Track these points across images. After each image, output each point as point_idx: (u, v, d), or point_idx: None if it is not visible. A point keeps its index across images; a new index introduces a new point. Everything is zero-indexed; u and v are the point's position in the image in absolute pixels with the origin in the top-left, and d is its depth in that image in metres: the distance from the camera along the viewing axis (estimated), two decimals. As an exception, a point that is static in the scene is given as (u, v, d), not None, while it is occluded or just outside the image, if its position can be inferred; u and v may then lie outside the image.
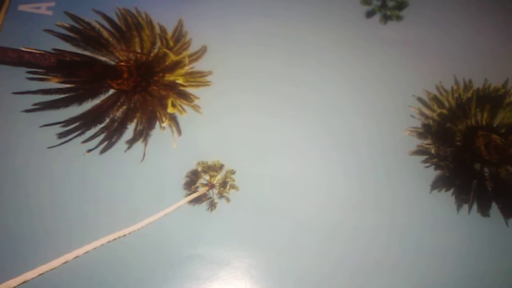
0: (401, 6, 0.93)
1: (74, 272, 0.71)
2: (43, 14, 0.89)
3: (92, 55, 0.87)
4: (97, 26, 0.89)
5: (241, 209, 0.77)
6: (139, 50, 0.88)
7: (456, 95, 0.87)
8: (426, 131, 0.84)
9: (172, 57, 0.88)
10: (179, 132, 0.82)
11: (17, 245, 0.72)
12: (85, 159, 0.79)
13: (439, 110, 0.86)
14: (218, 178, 0.80)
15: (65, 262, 0.71)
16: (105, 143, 0.81)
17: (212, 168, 0.80)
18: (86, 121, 0.82)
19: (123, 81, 0.86)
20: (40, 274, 0.70)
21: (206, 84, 0.86)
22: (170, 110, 0.84)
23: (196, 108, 0.84)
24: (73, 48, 0.87)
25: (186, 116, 0.83)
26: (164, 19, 0.90)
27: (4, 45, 0.85)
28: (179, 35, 0.89)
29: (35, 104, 0.82)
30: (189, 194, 0.78)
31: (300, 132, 0.83)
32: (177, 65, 0.87)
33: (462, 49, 0.90)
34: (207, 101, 0.84)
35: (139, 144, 0.81)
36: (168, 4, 0.91)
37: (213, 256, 0.74)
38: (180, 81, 0.86)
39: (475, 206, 0.79)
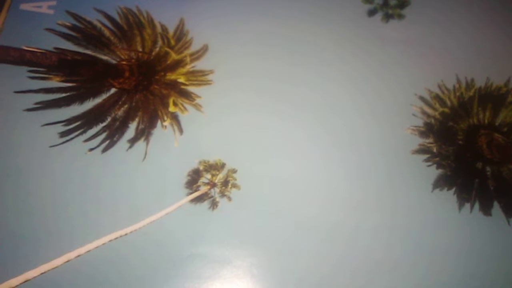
0: (403, 4, 0.93)
1: (76, 271, 0.71)
2: (45, 13, 0.89)
3: (93, 54, 0.87)
4: (99, 25, 0.89)
5: (243, 208, 0.77)
6: (140, 49, 0.88)
7: (458, 93, 0.87)
8: (428, 130, 0.84)
9: (174, 56, 0.88)
10: (181, 131, 0.82)
11: (18, 244, 0.72)
12: (86, 158, 0.79)
13: (441, 109, 0.86)
14: (220, 177, 0.80)
15: (67, 261, 0.71)
16: (107, 142, 0.81)
17: (214, 167, 0.80)
18: (87, 120, 0.82)
19: (124, 80, 0.86)
20: (42, 273, 0.70)
21: (207, 83, 0.86)
22: (171, 109, 0.84)
23: (197, 107, 0.84)
24: (75, 47, 0.87)
25: (187, 115, 0.83)
26: (166, 18, 0.90)
27: (6, 44, 0.85)
28: (180, 34, 0.89)
29: (36, 103, 0.82)
30: (191, 193, 0.78)
31: (301, 131, 0.82)
32: (178, 64, 0.87)
33: (464, 47, 0.90)
34: (208, 100, 0.84)
35: (140, 143, 0.81)
36: (169, 3, 0.91)
37: (215, 255, 0.74)
38: (181, 80, 0.86)
39: (477, 205, 0.79)
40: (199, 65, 0.87)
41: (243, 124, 0.83)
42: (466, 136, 0.85)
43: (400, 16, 0.92)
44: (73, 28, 0.88)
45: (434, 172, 0.81)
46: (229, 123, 0.83)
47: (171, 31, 0.89)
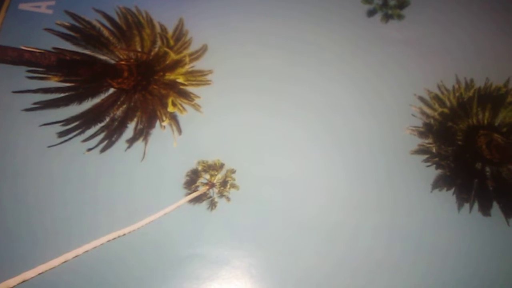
0: (402, 5, 0.93)
1: (73, 272, 0.71)
2: (43, 13, 0.89)
3: (92, 54, 0.87)
4: (98, 25, 0.89)
5: (242, 208, 0.77)
6: (139, 49, 0.88)
7: (457, 94, 0.87)
8: (427, 130, 0.84)
9: (173, 56, 0.88)
10: (180, 131, 0.82)
11: (16, 244, 0.72)
12: (85, 158, 0.79)
13: (440, 109, 0.86)
14: (219, 177, 0.80)
15: (65, 262, 0.71)
16: (105, 142, 0.80)
17: (213, 167, 0.80)
18: (86, 120, 0.82)
19: (123, 80, 0.86)
20: (39, 274, 0.70)
21: (206, 83, 0.86)
22: (170, 109, 0.84)
23: (196, 107, 0.84)
24: (73, 47, 0.87)
25: (186, 115, 0.83)
26: (165, 18, 0.90)
27: (4, 43, 0.85)
28: (179, 34, 0.89)
29: (35, 103, 0.82)
30: (189, 193, 0.78)
31: (301, 131, 0.82)
32: (177, 64, 0.87)
33: (463, 48, 0.90)
34: (207, 100, 0.84)
35: (139, 143, 0.81)
36: (168, 3, 0.91)
37: (213, 255, 0.74)
38: (180, 80, 0.86)
39: (476, 206, 0.79)
40: (198, 65, 0.87)
41: (242, 124, 0.82)
42: (466, 136, 0.85)
43: (400, 17, 0.92)
44: (72, 28, 0.88)
45: (433, 172, 0.81)
46: (228, 123, 0.82)
47: (170, 31, 0.89)
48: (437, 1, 0.94)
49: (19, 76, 0.83)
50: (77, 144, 0.80)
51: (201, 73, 0.86)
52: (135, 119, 0.83)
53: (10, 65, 0.84)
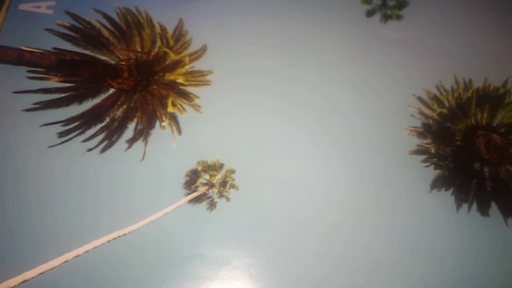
0: (401, 5, 0.93)
1: (74, 271, 0.71)
2: (44, 13, 0.89)
3: (92, 54, 0.87)
4: (98, 25, 0.89)
5: (241, 209, 0.77)
6: (139, 49, 0.88)
7: (456, 94, 0.87)
8: (426, 130, 0.84)
9: (173, 56, 0.88)
10: (179, 131, 0.82)
11: (17, 244, 0.72)
12: (85, 159, 0.79)
13: (439, 110, 0.86)
14: (218, 177, 0.80)
15: (65, 261, 0.71)
16: (105, 142, 0.81)
17: (212, 168, 0.80)
18: (86, 120, 0.82)
19: (123, 80, 0.86)
20: (40, 274, 0.70)
21: (206, 83, 0.86)
22: (170, 109, 0.84)
23: (196, 107, 0.84)
24: (74, 47, 0.87)
25: (186, 116, 0.83)
26: (165, 18, 0.90)
27: (5, 44, 0.85)
28: (179, 34, 0.89)
29: (35, 103, 0.82)
30: (189, 194, 0.78)
31: (300, 132, 0.83)
32: (177, 64, 0.87)
33: (462, 48, 0.90)
34: (207, 100, 0.84)
35: (139, 144, 0.81)
36: (168, 3, 0.91)
37: (213, 255, 0.74)
38: (180, 80, 0.86)
39: (474, 206, 0.79)
40: (198, 65, 0.87)
41: (241, 125, 0.83)
42: (464, 137, 0.85)
43: (399, 17, 0.92)
44: (72, 28, 0.88)
45: (432, 172, 0.81)
46: (227, 123, 0.83)
47: (170, 31, 0.89)
48: (436, 2, 0.94)
49: (20, 76, 0.83)
50: (77, 144, 0.80)
51: (201, 73, 0.87)
52: (135, 120, 0.83)
53: (10, 65, 0.84)
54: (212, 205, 0.77)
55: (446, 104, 0.86)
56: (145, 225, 0.74)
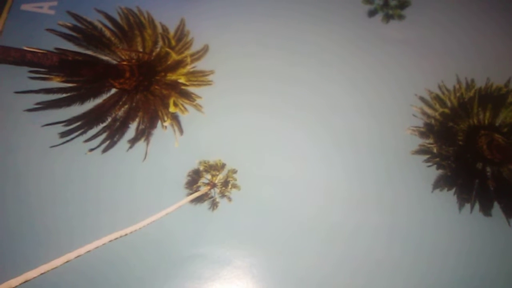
0: (403, 5, 0.93)
1: (75, 272, 0.71)
2: (46, 14, 0.89)
3: (94, 54, 0.87)
4: (99, 25, 0.89)
5: (243, 208, 0.77)
6: (141, 50, 0.88)
7: (458, 94, 0.87)
8: (428, 130, 0.84)
9: (174, 56, 0.88)
10: (181, 131, 0.82)
11: (18, 244, 0.72)
12: (86, 158, 0.79)
13: (441, 109, 0.86)
14: (220, 177, 0.80)
15: (67, 262, 0.71)
16: (107, 142, 0.81)
17: (214, 167, 0.80)
18: (88, 120, 0.82)
19: (125, 81, 0.86)
20: (41, 274, 0.70)
21: (208, 83, 0.86)
22: (172, 109, 0.84)
23: (198, 107, 0.84)
24: (76, 47, 0.87)
25: (188, 116, 0.83)
26: (166, 18, 0.90)
27: (7, 44, 0.85)
28: (181, 34, 0.89)
29: (37, 103, 0.82)
30: (191, 193, 0.78)
31: (301, 132, 0.82)
32: (179, 64, 0.87)
33: (464, 48, 0.90)
34: (208, 100, 0.84)
35: (141, 143, 0.81)
36: (170, 3, 0.91)
37: (215, 255, 0.74)
38: (182, 80, 0.86)
39: (477, 206, 0.79)
40: (200, 65, 0.87)
41: (243, 125, 0.83)
42: (466, 136, 0.85)
43: (401, 17, 0.92)
44: (74, 28, 0.88)
45: (434, 172, 0.81)
46: (229, 123, 0.83)
47: (171, 31, 0.89)
48: (438, 1, 0.94)
49: (21, 76, 0.83)
50: (79, 144, 0.80)
51: (203, 73, 0.87)
52: (137, 119, 0.83)
53: (12, 65, 0.84)
54: (214, 205, 0.77)
55: (448, 104, 0.86)
56: (147, 225, 0.74)
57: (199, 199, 0.78)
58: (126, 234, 0.74)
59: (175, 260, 0.73)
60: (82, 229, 0.74)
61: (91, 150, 0.80)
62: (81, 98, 0.84)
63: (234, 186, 0.79)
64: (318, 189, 0.79)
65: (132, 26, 0.89)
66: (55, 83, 0.84)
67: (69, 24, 0.88)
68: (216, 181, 0.79)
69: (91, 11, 0.90)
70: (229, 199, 0.78)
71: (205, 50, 0.88)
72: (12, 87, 0.82)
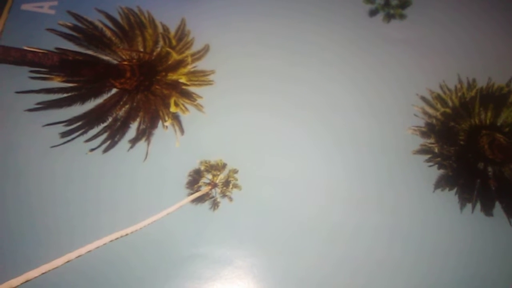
0: (404, 4, 0.93)
1: (76, 271, 0.71)
2: (46, 13, 0.89)
3: (95, 54, 0.87)
4: (100, 25, 0.89)
5: (244, 208, 0.77)
6: (141, 49, 0.88)
7: (459, 94, 0.87)
8: (429, 130, 0.84)
9: (175, 56, 0.88)
10: (182, 131, 0.82)
11: (19, 244, 0.72)
12: (87, 158, 0.79)
13: (442, 109, 0.85)
14: (221, 177, 0.80)
15: (68, 261, 0.71)
16: (108, 142, 0.81)
17: (215, 167, 0.80)
18: (88, 120, 0.82)
19: (125, 80, 0.86)
20: (42, 273, 0.70)
21: (208, 83, 0.86)
22: (172, 109, 0.84)
23: (198, 107, 0.84)
24: (76, 47, 0.87)
25: (188, 115, 0.83)
26: (167, 18, 0.90)
27: (7, 44, 0.85)
28: (181, 34, 0.89)
29: (37, 103, 0.82)
30: (192, 193, 0.78)
31: (302, 132, 0.82)
32: (179, 64, 0.87)
33: (465, 48, 0.90)
34: (209, 100, 0.84)
35: (141, 143, 0.81)
36: (170, 3, 0.91)
37: (215, 255, 0.74)
38: (182, 80, 0.86)
39: (478, 206, 0.79)
40: (201, 65, 0.87)
41: (244, 124, 0.83)
42: (468, 136, 0.85)
43: (402, 16, 0.92)
44: (74, 28, 0.88)
45: (435, 172, 0.81)
46: (230, 123, 0.83)
47: (172, 31, 0.89)
48: (439, 1, 0.93)
49: (22, 76, 0.83)
50: (79, 144, 0.80)
51: (203, 73, 0.86)
52: (138, 119, 0.83)
53: (13, 65, 0.84)
54: (214, 205, 0.77)
55: (450, 103, 0.86)
56: (147, 225, 0.74)
57: (200, 199, 0.78)
58: (126, 234, 0.74)
59: (176, 260, 0.73)
60: (83, 229, 0.74)
61: (92, 150, 0.80)
62: (81, 98, 0.84)
63: (235, 186, 0.79)
64: (318, 189, 0.78)
65: (133, 26, 0.89)
66: (56, 83, 0.84)
67: (69, 24, 0.88)
68: (217, 181, 0.79)
69: (91, 10, 0.90)
70: (230, 199, 0.78)
71: (205, 49, 0.88)
72: (13, 87, 0.82)
